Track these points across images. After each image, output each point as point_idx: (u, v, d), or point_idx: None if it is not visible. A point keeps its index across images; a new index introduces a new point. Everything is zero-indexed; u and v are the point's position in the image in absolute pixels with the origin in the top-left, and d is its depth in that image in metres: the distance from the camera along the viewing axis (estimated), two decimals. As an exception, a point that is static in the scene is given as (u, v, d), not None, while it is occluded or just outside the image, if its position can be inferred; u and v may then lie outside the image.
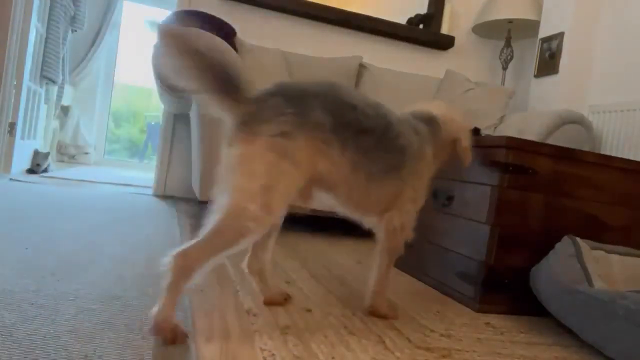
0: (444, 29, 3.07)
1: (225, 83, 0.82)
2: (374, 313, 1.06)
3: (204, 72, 0.79)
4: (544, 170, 1.25)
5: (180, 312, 0.90)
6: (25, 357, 0.64)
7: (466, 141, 1.13)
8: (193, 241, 0.81)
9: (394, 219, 1.03)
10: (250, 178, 0.82)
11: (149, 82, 5.58)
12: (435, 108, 1.14)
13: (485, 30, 3.07)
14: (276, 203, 0.84)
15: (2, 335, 0.70)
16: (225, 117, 0.86)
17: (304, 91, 0.88)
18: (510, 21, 2.88)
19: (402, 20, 3.08)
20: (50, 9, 3.39)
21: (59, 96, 4.03)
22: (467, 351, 0.92)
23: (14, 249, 1.18)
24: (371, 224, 1.08)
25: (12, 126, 2.94)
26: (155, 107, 6.11)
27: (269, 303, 1.04)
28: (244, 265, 1.04)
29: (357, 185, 0.94)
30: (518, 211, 1.23)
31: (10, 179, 2.67)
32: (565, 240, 1.17)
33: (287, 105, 0.84)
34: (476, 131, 1.31)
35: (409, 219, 1.05)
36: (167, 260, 0.80)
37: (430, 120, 1.10)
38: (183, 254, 0.80)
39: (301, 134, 0.84)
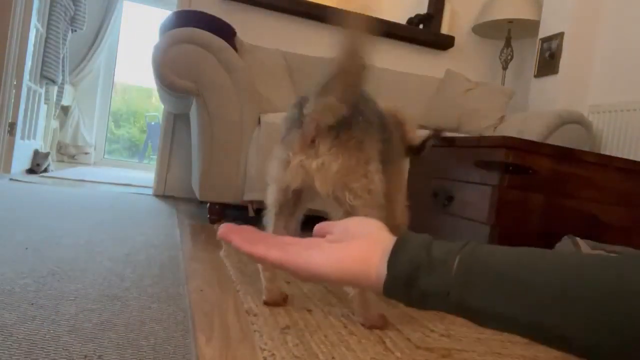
0: (444, 29, 3.07)
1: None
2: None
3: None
4: (544, 170, 1.25)
5: (180, 312, 0.90)
6: (25, 357, 0.64)
7: (406, 121, 1.24)
8: None
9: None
10: (369, 185, 0.92)
11: (149, 82, 5.59)
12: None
13: (485, 30, 3.07)
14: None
15: (2, 335, 0.70)
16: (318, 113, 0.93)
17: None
18: (510, 21, 2.88)
19: (402, 20, 3.08)
20: (50, 9, 3.39)
21: (59, 96, 4.03)
22: (467, 351, 0.92)
23: (14, 249, 1.18)
24: None
25: (12, 126, 2.94)
26: (155, 107, 6.11)
27: (271, 303, 1.03)
28: None
29: None
30: (518, 211, 1.23)
31: (10, 179, 2.67)
32: (565, 240, 1.17)
33: (357, 114, 0.96)
34: (437, 134, 1.33)
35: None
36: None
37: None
38: None
39: (370, 136, 0.95)
